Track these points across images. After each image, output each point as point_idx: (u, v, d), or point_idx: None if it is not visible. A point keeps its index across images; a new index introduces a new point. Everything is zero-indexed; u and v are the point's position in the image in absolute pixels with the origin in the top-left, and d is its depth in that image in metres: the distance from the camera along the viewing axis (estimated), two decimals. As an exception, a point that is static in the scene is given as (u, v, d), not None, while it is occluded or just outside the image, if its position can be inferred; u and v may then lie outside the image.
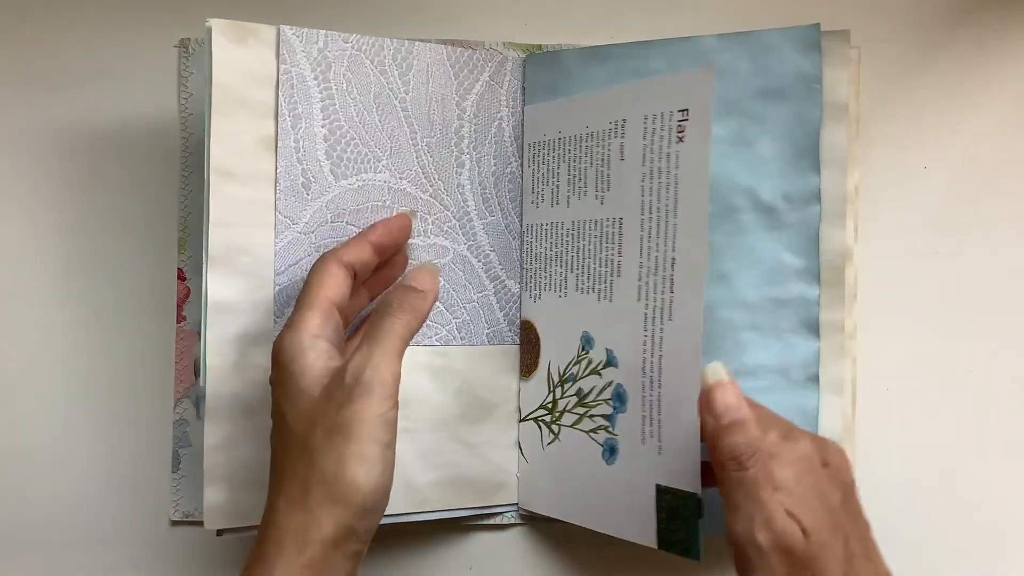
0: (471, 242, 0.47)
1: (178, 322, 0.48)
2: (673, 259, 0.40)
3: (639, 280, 0.42)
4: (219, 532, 0.43)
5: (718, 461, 0.37)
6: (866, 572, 0.35)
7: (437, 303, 0.45)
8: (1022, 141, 0.49)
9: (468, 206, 0.47)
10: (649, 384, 0.41)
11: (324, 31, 0.43)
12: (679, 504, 0.40)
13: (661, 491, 0.41)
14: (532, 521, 0.49)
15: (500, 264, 0.48)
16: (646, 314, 0.41)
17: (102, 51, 0.49)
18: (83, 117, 0.49)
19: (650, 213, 0.41)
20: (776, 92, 0.43)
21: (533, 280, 0.47)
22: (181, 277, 0.49)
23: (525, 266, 0.48)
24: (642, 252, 0.42)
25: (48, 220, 0.49)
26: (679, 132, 0.40)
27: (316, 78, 0.43)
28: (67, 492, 0.48)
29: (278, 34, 0.43)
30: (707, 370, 0.38)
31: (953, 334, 0.49)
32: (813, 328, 0.42)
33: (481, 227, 0.47)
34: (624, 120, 0.43)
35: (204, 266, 0.42)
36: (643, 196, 0.42)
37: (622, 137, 0.43)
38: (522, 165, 0.48)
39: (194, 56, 0.49)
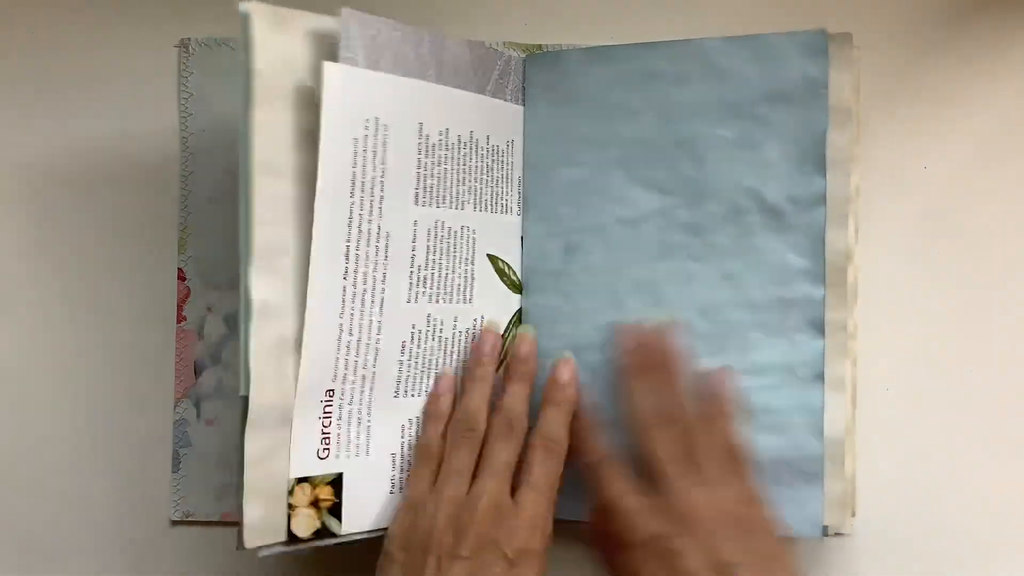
0: None
1: (178, 322, 0.48)
2: None
3: None
4: (259, 550, 0.40)
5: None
6: None
7: None
8: (1022, 140, 0.49)
9: None
10: None
11: (378, 17, 0.41)
12: None
13: None
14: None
15: None
16: None
17: (102, 51, 0.49)
18: (83, 117, 0.49)
19: None
20: (782, 96, 0.44)
21: None
22: (181, 277, 0.49)
23: None
24: None
25: (47, 220, 0.49)
26: None
27: (368, 67, 0.41)
28: (67, 492, 0.48)
29: (314, 21, 0.39)
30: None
31: (953, 334, 0.49)
32: (818, 327, 0.43)
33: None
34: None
35: (246, 268, 0.38)
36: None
37: None
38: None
39: (194, 56, 0.49)
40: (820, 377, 0.43)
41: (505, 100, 0.47)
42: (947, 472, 0.49)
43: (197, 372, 0.48)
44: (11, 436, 0.48)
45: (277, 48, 0.38)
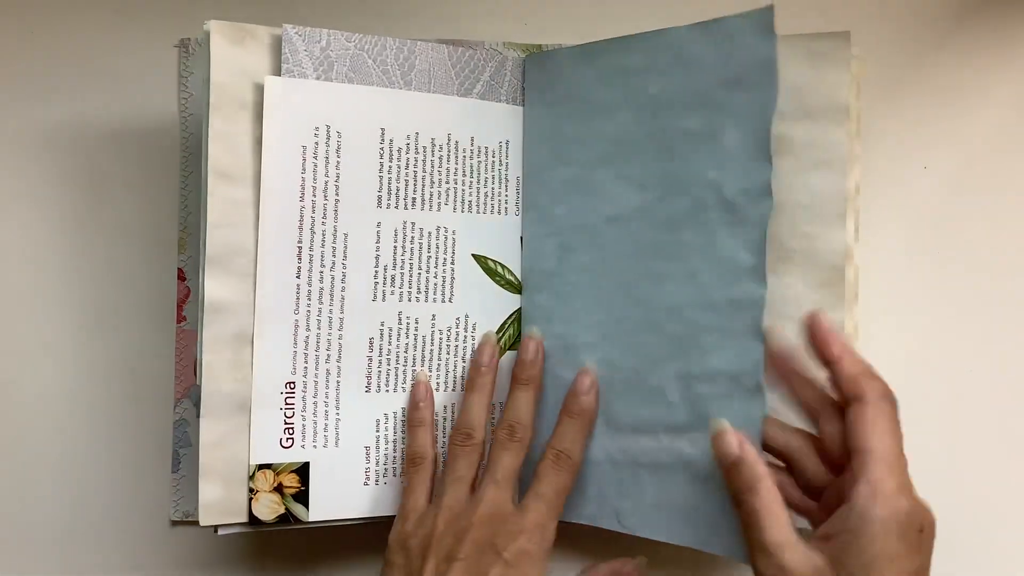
0: None
1: (178, 322, 0.48)
2: None
3: None
4: (215, 529, 0.43)
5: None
6: None
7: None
8: (1022, 141, 0.49)
9: None
10: None
11: (327, 30, 0.43)
12: None
13: None
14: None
15: None
16: None
17: (102, 51, 0.49)
18: (83, 117, 0.49)
19: None
20: (737, 80, 0.41)
21: None
22: (181, 277, 0.49)
23: None
24: None
25: (48, 220, 0.49)
26: None
27: (319, 78, 0.43)
28: (67, 492, 0.48)
29: (277, 34, 0.42)
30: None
31: (953, 334, 0.49)
32: (759, 332, 0.40)
33: None
34: None
35: (201, 266, 0.41)
36: None
37: None
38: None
39: (194, 56, 0.49)
40: (759, 389, 0.40)
41: (498, 101, 0.47)
42: (947, 472, 0.49)
43: (197, 372, 0.48)
44: (11, 436, 0.48)
45: (236, 61, 0.41)
